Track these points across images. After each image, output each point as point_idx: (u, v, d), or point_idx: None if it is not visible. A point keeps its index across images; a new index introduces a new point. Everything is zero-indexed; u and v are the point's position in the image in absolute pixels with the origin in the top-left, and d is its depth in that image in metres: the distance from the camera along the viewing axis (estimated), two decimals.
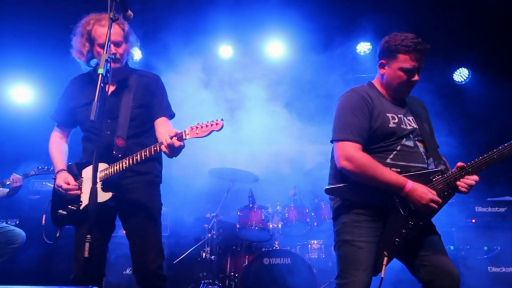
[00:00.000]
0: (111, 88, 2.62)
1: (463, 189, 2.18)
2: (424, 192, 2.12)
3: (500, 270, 4.37)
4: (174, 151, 2.29)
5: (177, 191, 4.84)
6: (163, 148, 2.30)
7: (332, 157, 2.38)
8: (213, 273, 4.64)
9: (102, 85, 2.01)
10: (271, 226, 4.74)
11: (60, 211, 2.54)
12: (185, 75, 5.62)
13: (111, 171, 2.45)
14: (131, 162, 2.40)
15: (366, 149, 2.28)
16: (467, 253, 4.45)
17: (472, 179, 2.17)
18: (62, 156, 2.68)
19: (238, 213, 4.83)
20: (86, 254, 1.82)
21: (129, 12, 2.24)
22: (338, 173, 2.35)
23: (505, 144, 2.17)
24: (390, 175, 2.17)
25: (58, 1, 5.17)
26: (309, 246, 4.78)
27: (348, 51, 5.89)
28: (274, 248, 4.50)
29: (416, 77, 2.32)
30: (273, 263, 4.25)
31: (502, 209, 4.66)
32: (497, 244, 4.44)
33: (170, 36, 5.38)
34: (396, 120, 2.32)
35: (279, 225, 4.81)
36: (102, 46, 2.51)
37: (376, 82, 2.49)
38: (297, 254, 4.40)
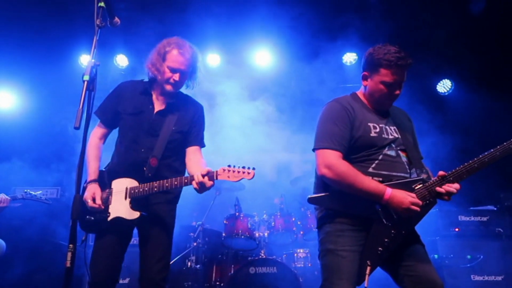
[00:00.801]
0: (159, 107, 2.78)
1: (445, 197, 2.19)
2: (403, 197, 2.13)
3: (483, 278, 4.43)
4: (204, 189, 2.44)
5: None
6: (194, 184, 2.43)
7: None
8: (199, 283, 4.59)
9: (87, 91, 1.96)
10: (257, 234, 4.72)
11: (88, 216, 2.60)
12: None
13: (142, 191, 2.57)
14: (160, 188, 2.52)
15: (348, 158, 2.30)
16: (451, 261, 4.50)
17: (453, 187, 2.18)
18: (96, 163, 2.73)
19: (224, 222, 4.80)
20: (68, 264, 1.78)
21: (116, 19, 2.23)
22: (321, 182, 2.36)
23: (486, 153, 2.19)
24: (370, 183, 2.18)
25: (41, 8, 5.12)
26: (295, 255, 4.76)
27: (335, 61, 5.97)
28: (260, 257, 4.48)
29: (397, 91, 2.36)
30: (259, 272, 4.22)
31: (485, 218, 4.74)
32: (480, 252, 4.50)
33: (156, 42, 5.37)
34: (378, 130, 2.35)
35: (265, 234, 4.80)
36: (171, 69, 2.69)
37: (359, 93, 2.54)
38: (283, 263, 4.39)
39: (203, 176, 2.39)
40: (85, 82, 1.94)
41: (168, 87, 2.72)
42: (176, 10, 5.40)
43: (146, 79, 2.88)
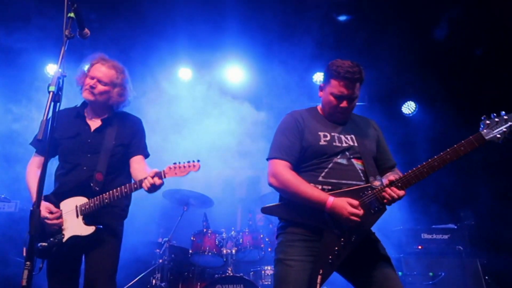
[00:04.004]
0: (96, 125, 2.81)
1: (385, 200, 2.16)
2: (343, 207, 2.13)
3: None
4: (154, 188, 2.50)
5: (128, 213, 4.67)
6: (144, 186, 2.49)
7: None
8: None
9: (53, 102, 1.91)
10: (224, 251, 4.65)
11: (41, 243, 2.51)
12: (143, 96, 5.54)
13: (92, 206, 2.57)
14: (111, 198, 2.55)
15: (299, 167, 2.37)
16: (414, 279, 4.59)
17: (396, 193, 2.15)
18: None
19: (192, 238, 4.71)
20: (24, 283, 1.69)
21: (86, 30, 2.20)
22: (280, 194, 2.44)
23: (435, 157, 2.21)
24: (312, 191, 2.21)
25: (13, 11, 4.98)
26: (263, 272, 4.70)
27: (305, 80, 6.10)
28: (227, 274, 4.41)
29: (344, 104, 2.37)
30: None
31: (446, 236, 4.89)
32: (441, 270, 4.62)
33: (127, 55, 5.32)
34: (328, 138, 2.37)
35: (233, 251, 4.73)
36: (90, 77, 2.74)
37: (319, 106, 2.60)
38: (250, 281, 4.34)
39: (152, 177, 2.46)
40: (51, 93, 1.89)
41: (85, 94, 2.73)
42: (149, 23, 5.37)
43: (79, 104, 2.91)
